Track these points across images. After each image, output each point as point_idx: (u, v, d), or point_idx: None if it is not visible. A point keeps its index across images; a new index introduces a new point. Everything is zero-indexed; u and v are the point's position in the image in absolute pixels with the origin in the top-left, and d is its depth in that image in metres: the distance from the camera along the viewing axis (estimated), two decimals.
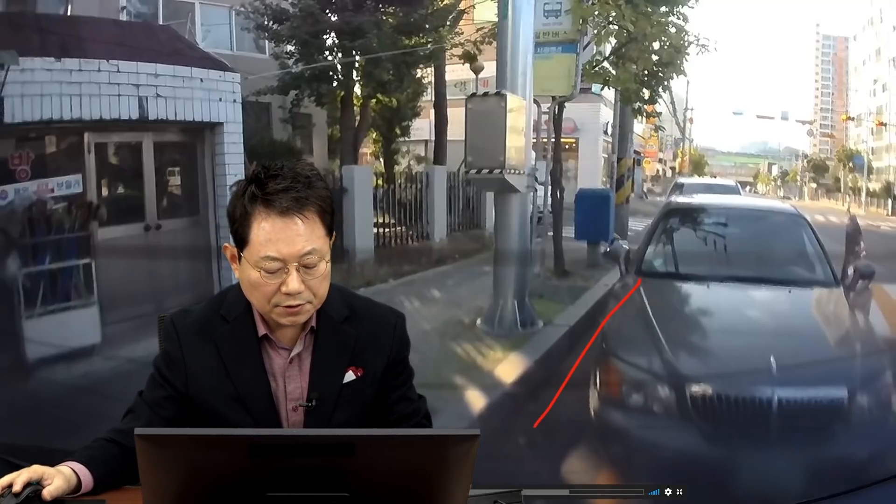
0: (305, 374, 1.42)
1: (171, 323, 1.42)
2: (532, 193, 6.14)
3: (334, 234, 1.39)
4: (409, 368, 1.51)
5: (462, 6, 8.06)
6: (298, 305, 1.34)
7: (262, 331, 1.40)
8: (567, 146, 8.23)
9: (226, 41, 7.61)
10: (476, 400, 4.48)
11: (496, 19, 6.01)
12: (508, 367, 4.96)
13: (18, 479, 1.19)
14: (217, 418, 1.38)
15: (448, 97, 8.30)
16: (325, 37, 7.49)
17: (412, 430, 1.29)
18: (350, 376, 1.42)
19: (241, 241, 1.33)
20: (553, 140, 6.81)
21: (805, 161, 11.22)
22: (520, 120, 5.49)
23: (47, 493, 1.20)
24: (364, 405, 1.44)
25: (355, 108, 7.93)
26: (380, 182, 8.06)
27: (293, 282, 1.31)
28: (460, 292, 6.49)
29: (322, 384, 1.41)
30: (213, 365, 1.38)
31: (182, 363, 1.39)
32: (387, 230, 7.51)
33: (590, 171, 8.96)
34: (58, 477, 1.23)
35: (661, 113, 9.49)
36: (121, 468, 1.31)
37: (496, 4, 5.91)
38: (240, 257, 1.35)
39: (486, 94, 5.57)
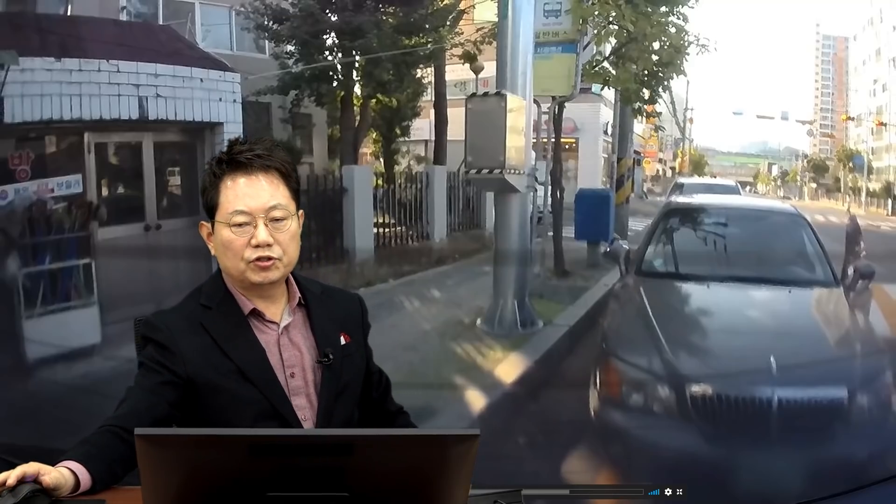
0: (297, 344, 1.47)
1: (154, 318, 1.45)
2: (532, 193, 6.14)
3: (302, 211, 1.46)
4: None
5: (462, 6, 8.05)
6: (270, 260, 1.40)
7: (248, 307, 1.45)
8: (567, 146, 8.23)
9: (226, 41, 7.61)
10: (476, 400, 4.48)
11: (496, 19, 6.01)
12: (508, 367, 4.96)
13: (13, 474, 1.17)
14: (221, 394, 1.39)
15: (448, 97, 8.30)
16: (325, 37, 7.48)
17: (412, 430, 1.30)
18: (343, 340, 1.51)
19: (213, 208, 1.43)
20: (553, 140, 6.81)
21: (805, 161, 11.21)
22: (520, 120, 5.48)
23: (50, 479, 1.17)
24: (360, 371, 1.53)
25: (355, 108, 7.92)
26: (380, 182, 8.06)
27: (261, 232, 1.39)
28: (460, 292, 6.48)
29: (328, 343, 1.48)
30: (207, 346, 1.41)
31: (176, 349, 1.40)
32: (387, 230, 7.51)
33: (590, 171, 8.96)
34: (54, 471, 1.21)
35: (661, 113, 9.49)
36: (118, 462, 1.29)
37: (496, 4, 5.90)
38: (213, 225, 1.43)
39: (486, 94, 5.57)
